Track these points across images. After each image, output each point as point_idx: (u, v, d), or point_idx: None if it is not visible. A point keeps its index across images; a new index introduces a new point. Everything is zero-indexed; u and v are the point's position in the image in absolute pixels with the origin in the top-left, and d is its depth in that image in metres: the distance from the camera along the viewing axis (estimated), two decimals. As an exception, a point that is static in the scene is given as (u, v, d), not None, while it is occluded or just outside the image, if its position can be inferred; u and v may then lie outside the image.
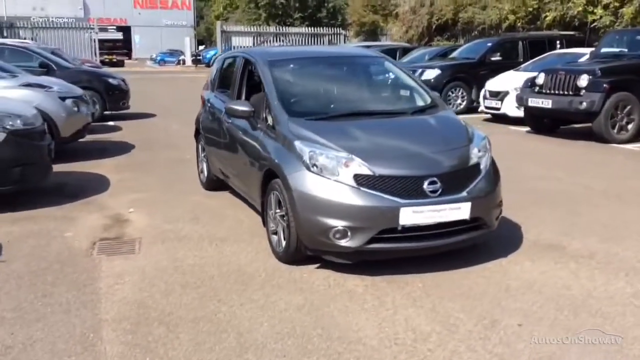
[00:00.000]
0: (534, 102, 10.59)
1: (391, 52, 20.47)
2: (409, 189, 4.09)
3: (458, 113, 13.93)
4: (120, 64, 44.38)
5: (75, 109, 8.68)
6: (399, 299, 3.89)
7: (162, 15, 72.66)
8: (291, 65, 5.49)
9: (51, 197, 6.52)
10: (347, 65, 5.83)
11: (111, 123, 12.87)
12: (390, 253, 4.20)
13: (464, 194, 4.20)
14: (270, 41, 32.79)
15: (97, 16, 69.56)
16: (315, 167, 4.17)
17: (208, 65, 32.92)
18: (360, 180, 4.08)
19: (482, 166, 4.44)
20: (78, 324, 3.57)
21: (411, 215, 4.04)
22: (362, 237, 4.04)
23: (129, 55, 53.47)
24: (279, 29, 34.57)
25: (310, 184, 4.14)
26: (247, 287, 4.11)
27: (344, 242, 4.07)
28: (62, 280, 4.27)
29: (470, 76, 14.53)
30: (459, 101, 14.54)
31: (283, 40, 32.77)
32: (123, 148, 9.93)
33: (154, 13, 71.37)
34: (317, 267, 4.41)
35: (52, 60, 12.95)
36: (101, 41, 45.11)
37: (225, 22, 40.86)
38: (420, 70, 14.84)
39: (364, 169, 4.10)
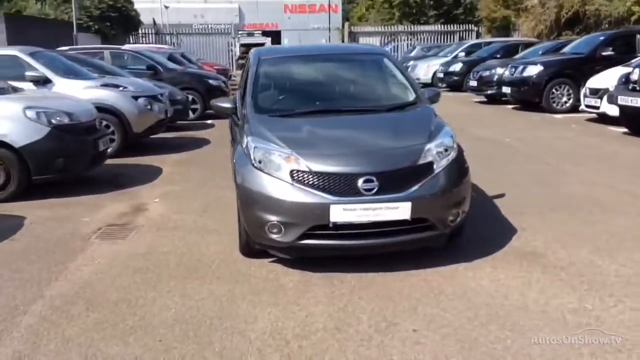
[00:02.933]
0: (624, 100, 9.65)
1: (514, 48, 19.69)
2: (343, 186, 4.03)
3: (562, 112, 13.21)
4: (263, 66, 46.36)
5: (148, 107, 9.41)
6: (318, 297, 3.87)
7: (310, 18, 74.89)
8: (280, 63, 5.59)
9: (99, 186, 7.20)
10: (340, 62, 5.78)
11: (209, 121, 13.67)
12: (324, 250, 4.17)
13: (404, 193, 4.04)
14: (398, 40, 32.61)
15: (251, 22, 74.19)
16: (259, 163, 4.25)
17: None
18: (295, 176, 4.10)
19: (435, 165, 4.23)
20: (20, 297, 3.98)
21: (342, 212, 3.98)
22: (294, 233, 4.06)
23: None
24: (409, 28, 34.25)
25: (252, 180, 4.24)
26: (189, 276, 4.29)
27: (277, 237, 4.12)
28: (43, 259, 4.73)
29: (578, 73, 13.44)
30: (564, 99, 13.57)
31: (411, 39, 32.42)
32: (199, 144, 10.57)
33: (302, 17, 73.91)
34: (271, 261, 4.48)
35: (159, 63, 14.04)
36: (247, 45, 47.76)
37: (359, 22, 41.29)
38: (521, 67, 14.08)
39: (301, 165, 4.11)
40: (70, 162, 6.78)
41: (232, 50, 35.18)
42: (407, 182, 4.09)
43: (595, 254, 4.49)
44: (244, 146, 4.50)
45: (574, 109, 13.10)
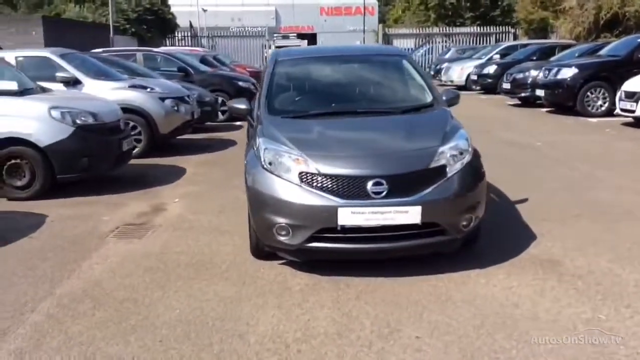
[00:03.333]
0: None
1: (550, 50, 19.31)
2: (351, 189, 3.97)
3: (597, 116, 12.85)
4: (297, 67, 46.57)
5: (175, 108, 9.50)
6: (323, 300, 3.82)
7: (346, 21, 74.73)
8: (297, 64, 5.56)
9: (122, 186, 7.30)
10: (358, 63, 5.71)
11: (238, 123, 13.71)
12: (333, 253, 4.11)
13: (414, 197, 3.96)
14: (433, 42, 32.32)
15: (288, 24, 74.64)
16: (269, 165, 4.23)
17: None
18: (304, 178, 4.06)
19: (448, 169, 4.13)
20: (30, 294, 4.04)
21: (350, 216, 3.92)
22: (302, 235, 4.02)
23: None
24: (444, 30, 33.91)
25: (261, 181, 4.21)
26: (197, 277, 4.29)
27: (286, 239, 4.09)
28: (58, 256, 4.80)
29: (614, 76, 13.04)
30: (599, 103, 13.20)
31: (446, 41, 32.09)
32: (225, 145, 10.63)
33: (338, 19, 73.94)
34: (280, 264, 4.45)
35: (191, 66, 14.18)
36: (281, 47, 47.97)
37: (395, 24, 41.06)
38: (555, 69, 13.77)
39: (310, 168, 4.07)
40: (94, 161, 6.88)
41: (266, 53, 35.33)
42: (418, 185, 4.01)
43: (616, 263, 4.32)
44: (255, 148, 4.48)
45: (610, 112, 12.72)
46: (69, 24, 22.20)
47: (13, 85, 7.51)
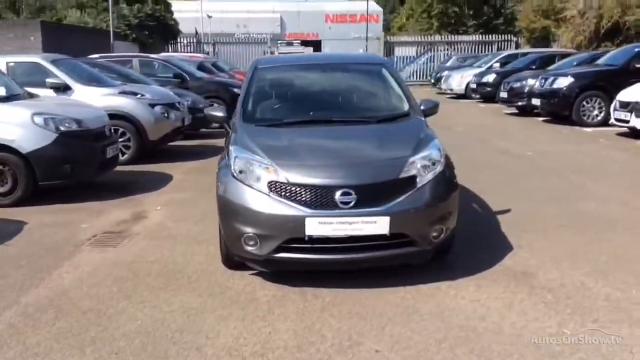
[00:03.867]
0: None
1: (550, 59, 19.24)
2: (319, 198, 3.92)
3: (592, 126, 12.76)
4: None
5: (164, 115, 9.49)
6: (288, 313, 3.77)
7: (350, 28, 74.76)
8: (276, 72, 5.53)
9: (107, 193, 7.27)
10: (337, 72, 5.68)
11: (234, 129, 13.69)
12: (301, 264, 4.06)
13: (383, 207, 3.91)
14: (434, 50, 32.31)
15: (293, 31, 74.85)
16: (239, 173, 4.19)
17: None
18: (273, 187, 4.02)
19: (419, 179, 4.09)
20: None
21: (317, 226, 3.88)
22: (270, 245, 3.98)
23: None
24: (446, 38, 33.88)
25: (231, 190, 4.17)
26: (165, 287, 4.25)
27: (253, 249, 4.04)
28: (31, 265, 4.76)
29: (610, 85, 12.95)
30: (595, 112, 13.12)
31: (448, 50, 32.07)
32: (217, 151, 10.39)
33: (343, 26, 74.16)
34: (251, 274, 4.40)
35: (187, 72, 14.18)
36: (285, 54, 48.05)
37: (399, 31, 41.06)
38: (551, 78, 13.71)
39: (280, 177, 4.02)
40: (77, 168, 6.85)
41: (267, 59, 35.42)
42: (387, 195, 3.96)
43: (590, 276, 4.26)
44: (227, 156, 4.44)
45: (606, 122, 12.63)
46: (68, 29, 22.28)
47: (1, 91, 7.51)
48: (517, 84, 15.95)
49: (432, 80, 27.53)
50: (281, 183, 4.00)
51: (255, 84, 5.19)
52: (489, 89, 19.83)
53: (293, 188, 3.97)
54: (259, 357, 3.21)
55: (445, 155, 4.43)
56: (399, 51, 32.69)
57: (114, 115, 9.06)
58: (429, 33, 37.40)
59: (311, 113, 4.91)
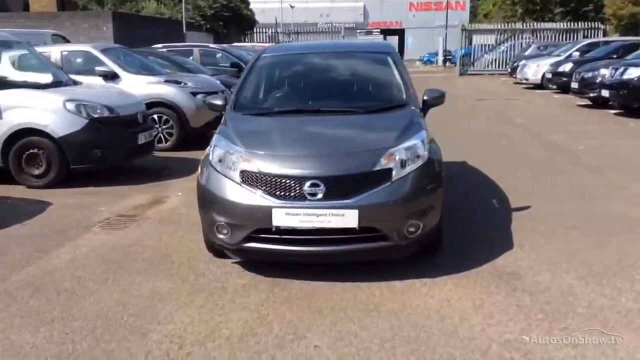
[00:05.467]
0: None
1: (634, 48, 18.03)
2: (288, 189, 3.87)
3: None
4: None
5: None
6: (249, 302, 3.75)
7: (435, 16, 73.43)
8: (277, 61, 5.48)
9: (140, 177, 7.53)
10: (340, 61, 5.55)
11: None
12: (269, 254, 4.01)
13: (351, 200, 3.80)
14: (515, 38, 31.08)
15: (376, 20, 74.48)
16: (218, 162, 4.20)
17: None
18: (245, 177, 4.00)
19: (395, 172, 3.93)
20: (-13, 281, 4.22)
21: (284, 217, 3.82)
22: (239, 235, 3.97)
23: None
24: (528, 25, 32.47)
25: (207, 178, 4.19)
26: (144, 272, 4.33)
27: (225, 238, 4.05)
28: (35, 244, 4.98)
29: (688, 76, 12.01)
30: (670, 105, 12.17)
31: (529, 38, 30.74)
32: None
33: (427, 15, 73.01)
34: (233, 262, 4.41)
35: (245, 61, 14.37)
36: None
37: (484, 19, 39.80)
38: (622, 69, 12.86)
39: (252, 167, 4.00)
40: (106, 153, 7.11)
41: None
42: (357, 188, 3.84)
43: (582, 280, 3.97)
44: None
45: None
46: (139, 19, 23.15)
47: (48, 78, 7.93)
48: (589, 74, 15.05)
49: (509, 70, 26.52)
50: (252, 172, 3.98)
51: (254, 73, 5.18)
52: (564, 79, 18.78)
53: (263, 178, 3.94)
54: (197, 346, 3.21)
55: (431, 149, 4.24)
56: (477, 39, 31.66)
57: (157, 103, 9.41)
58: (513, 20, 35.97)
59: (302, 103, 4.84)
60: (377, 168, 3.93)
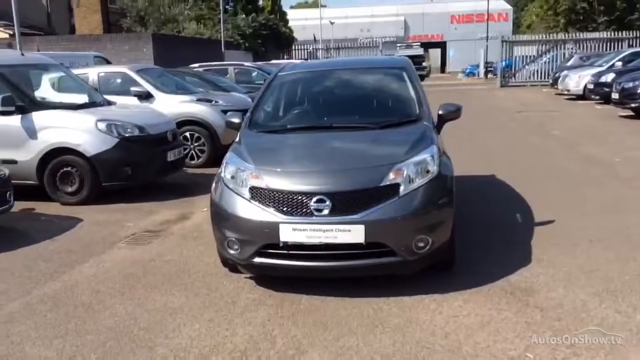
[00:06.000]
0: None
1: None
2: (295, 205, 3.91)
3: None
4: (420, 78, 46.11)
5: (237, 120, 9.82)
6: (256, 318, 3.79)
7: (477, 28, 72.74)
8: (293, 79, 5.56)
9: (169, 193, 7.70)
10: (354, 78, 5.59)
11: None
12: (278, 270, 4.06)
13: (358, 215, 3.82)
14: (557, 48, 30.53)
15: (417, 34, 74.35)
16: (231, 179, 4.28)
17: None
18: (254, 193, 4.07)
19: (403, 187, 3.94)
20: (12, 293, 4.38)
21: (291, 232, 3.87)
22: (249, 250, 4.03)
23: (426, 69, 53.63)
24: (571, 36, 31.85)
25: (219, 195, 4.28)
26: (161, 286, 4.42)
27: (235, 254, 4.12)
28: (62, 259, 5.15)
29: None
30: None
31: (572, 48, 30.14)
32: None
33: (469, 27, 72.43)
34: (247, 277, 4.47)
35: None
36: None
37: (527, 30, 39.25)
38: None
39: (262, 183, 4.07)
40: (137, 170, 7.31)
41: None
42: (364, 204, 3.85)
43: (597, 297, 3.87)
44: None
45: None
46: (178, 40, 23.73)
47: (83, 99, 8.23)
48: (630, 84, 14.65)
49: (550, 81, 26.06)
50: (261, 189, 4.04)
51: (270, 91, 5.28)
52: (606, 89, 18.33)
53: (271, 194, 3.99)
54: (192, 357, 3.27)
55: (442, 164, 4.22)
56: (518, 51, 31.21)
57: (189, 121, 9.63)
58: (555, 31, 35.35)
59: (314, 119, 4.90)
60: (385, 183, 3.94)
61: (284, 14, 32.14)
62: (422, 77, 47.40)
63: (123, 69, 10.33)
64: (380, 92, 5.38)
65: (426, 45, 65.09)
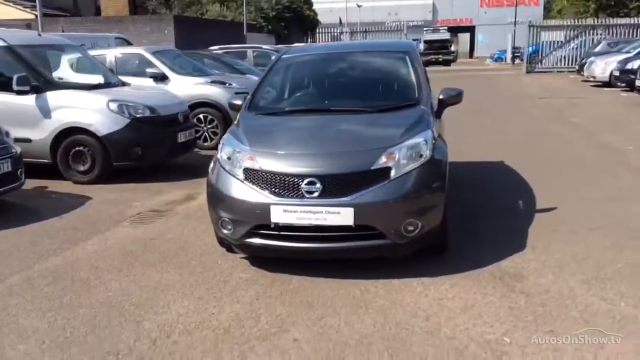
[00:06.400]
0: None
1: None
2: (286, 187, 3.96)
3: None
4: (446, 63, 45.78)
5: (250, 102, 9.90)
6: (245, 296, 3.86)
7: (508, 12, 71.34)
8: (296, 62, 5.58)
9: (181, 174, 7.81)
10: (358, 60, 5.59)
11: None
12: (270, 250, 4.11)
13: (347, 198, 3.85)
14: (585, 34, 29.91)
15: (445, 17, 73.37)
16: (227, 160, 4.35)
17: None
18: (247, 174, 4.13)
19: (394, 171, 3.96)
20: (14, 267, 4.52)
21: (282, 214, 3.92)
22: (241, 230, 4.10)
23: (453, 54, 52.68)
24: (601, 21, 31.14)
25: (214, 175, 4.36)
26: (158, 264, 4.52)
27: (229, 234, 4.20)
28: (67, 235, 5.29)
29: None
30: None
31: (602, 34, 29.50)
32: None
33: (499, 11, 71.15)
34: (242, 257, 4.55)
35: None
36: (429, 42, 47.29)
37: (558, 14, 38.48)
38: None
39: (255, 165, 4.12)
40: (147, 151, 7.43)
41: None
42: (354, 186, 3.89)
43: (586, 283, 3.87)
44: None
45: None
46: (200, 22, 23.82)
47: (99, 80, 8.38)
48: (654, 71, 14.33)
49: (577, 68, 25.58)
50: (255, 170, 4.10)
51: (272, 74, 5.32)
52: (632, 76, 17.98)
53: (264, 175, 4.05)
54: (184, 335, 3.36)
55: (436, 148, 4.23)
56: (546, 36, 30.63)
57: (203, 103, 9.73)
58: (585, 16, 34.60)
59: (313, 102, 4.92)
60: (375, 167, 3.96)
61: (308, -4, 32.02)
62: (448, 62, 46.97)
63: (139, 50, 10.45)
64: (381, 75, 5.38)
65: (454, 30, 64.23)
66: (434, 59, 45.25)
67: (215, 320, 3.53)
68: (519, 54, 41.77)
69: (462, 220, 5.34)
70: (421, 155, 4.10)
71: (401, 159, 4.01)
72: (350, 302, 3.71)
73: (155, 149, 7.55)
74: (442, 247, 4.38)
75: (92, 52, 9.92)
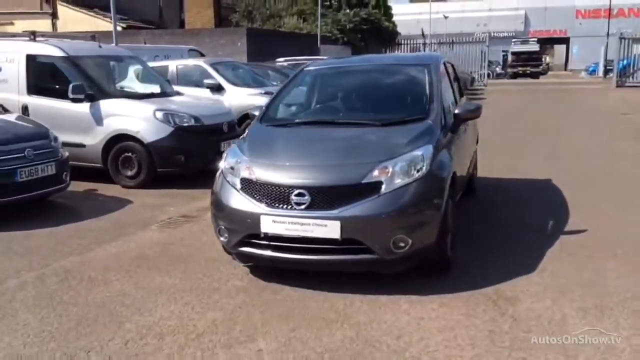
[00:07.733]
0: None
1: None
2: (277, 197, 4.00)
3: None
4: (534, 75, 44.28)
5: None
6: (229, 304, 3.92)
7: (605, 24, 68.20)
8: (316, 74, 5.60)
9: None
10: (376, 74, 5.54)
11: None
12: (260, 260, 4.17)
13: (335, 211, 3.84)
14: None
15: (538, 29, 70.94)
16: (229, 171, 4.44)
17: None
18: (243, 184, 4.21)
19: (385, 186, 3.91)
20: (35, 264, 4.80)
21: (271, 224, 3.97)
22: (234, 239, 4.18)
23: (542, 66, 50.81)
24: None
25: (217, 184, 4.47)
26: (163, 268, 4.66)
27: (225, 241, 4.29)
28: (94, 237, 5.55)
29: None
30: None
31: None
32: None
33: (596, 22, 68.05)
34: (245, 265, 4.62)
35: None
36: (517, 53, 45.87)
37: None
38: None
39: (252, 175, 4.20)
40: (190, 158, 7.70)
41: (484, 58, 34.26)
42: (342, 199, 3.87)
43: (583, 312, 3.65)
44: None
45: None
46: (273, 35, 24.31)
47: (156, 89, 8.79)
48: None
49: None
50: (250, 180, 4.17)
51: (290, 86, 5.38)
52: None
53: (257, 186, 4.11)
54: (156, 338, 3.45)
55: (437, 164, 4.14)
56: (637, 49, 29.00)
57: (255, 113, 9.92)
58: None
59: (320, 115, 4.95)
60: (366, 180, 3.93)
61: (388, 8, 31.92)
62: (537, 75, 45.37)
63: (198, 62, 10.85)
64: (395, 89, 5.31)
65: (547, 41, 61.98)
66: (521, 72, 44.00)
67: (192, 325, 3.61)
68: (611, 67, 39.76)
69: (485, 238, 5.20)
70: (418, 170, 4.02)
71: (395, 173, 3.96)
72: (329, 316, 3.69)
73: (198, 156, 7.78)
74: (443, 265, 4.26)
75: (154, 63, 10.39)
